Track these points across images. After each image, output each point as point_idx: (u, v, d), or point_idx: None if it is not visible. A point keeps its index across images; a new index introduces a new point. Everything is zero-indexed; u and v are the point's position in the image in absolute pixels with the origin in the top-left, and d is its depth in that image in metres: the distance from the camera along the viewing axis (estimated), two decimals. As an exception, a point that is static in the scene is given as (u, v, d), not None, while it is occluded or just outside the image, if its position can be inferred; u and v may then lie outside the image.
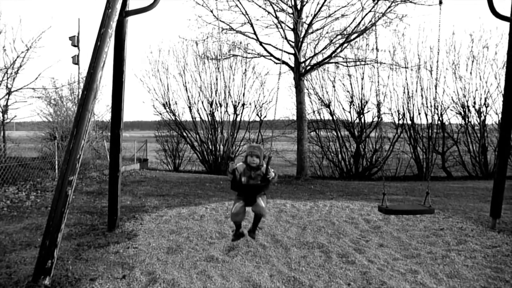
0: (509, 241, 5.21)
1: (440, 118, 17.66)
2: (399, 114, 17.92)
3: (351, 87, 18.18)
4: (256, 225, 4.50)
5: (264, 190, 4.35)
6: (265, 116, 19.88)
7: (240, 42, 16.98)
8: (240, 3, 12.86)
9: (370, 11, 12.33)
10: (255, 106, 19.83)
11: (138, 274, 3.99)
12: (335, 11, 13.14)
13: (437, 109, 17.40)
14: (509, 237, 5.44)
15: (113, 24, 4.36)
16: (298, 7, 13.51)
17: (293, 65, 13.91)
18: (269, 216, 6.82)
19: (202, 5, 12.70)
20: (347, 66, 16.29)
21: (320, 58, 14.23)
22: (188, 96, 19.80)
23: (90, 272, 4.03)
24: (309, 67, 14.04)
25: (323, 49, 13.86)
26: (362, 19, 12.62)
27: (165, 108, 20.20)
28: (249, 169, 4.22)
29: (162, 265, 4.26)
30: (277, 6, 12.83)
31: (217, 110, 19.64)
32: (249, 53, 15.50)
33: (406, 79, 17.82)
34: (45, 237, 3.57)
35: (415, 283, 3.82)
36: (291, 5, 13.21)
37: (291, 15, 13.09)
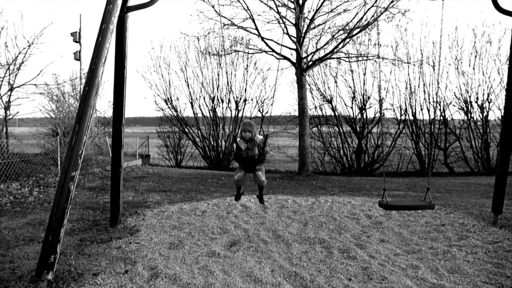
0: (511, 237, 5.21)
1: (443, 114, 17.60)
2: (401, 109, 17.88)
3: (353, 83, 18.13)
4: (262, 193, 5.48)
5: (262, 163, 5.15)
6: (266, 112, 19.87)
7: (242, 38, 16.93)
8: (241, -3, 12.78)
9: (372, 6, 12.23)
10: (257, 102, 19.83)
11: (140, 269, 4.02)
12: (337, 6, 13.03)
13: (439, 105, 17.34)
14: (510, 232, 5.43)
15: (114, 20, 4.35)
16: (300, 2, 13.42)
17: (295, 61, 13.86)
18: (271, 212, 6.84)
19: (204, 0, 12.65)
20: (349, 61, 16.22)
21: (322, 53, 14.17)
22: (189, 92, 19.81)
23: (92, 267, 4.06)
24: (311, 63, 13.98)
25: (325, 45, 13.79)
26: (365, 14, 12.53)
27: (167, 104, 20.21)
28: (245, 142, 5.01)
29: (164, 260, 4.29)
30: (279, 1, 12.77)
31: (219, 106, 19.65)
32: (250, 48, 15.45)
33: (408, 74, 17.80)
34: (48, 232, 3.60)
35: (416, 278, 3.83)
36: (292, 0, 13.14)
37: (293, 10, 13.02)
